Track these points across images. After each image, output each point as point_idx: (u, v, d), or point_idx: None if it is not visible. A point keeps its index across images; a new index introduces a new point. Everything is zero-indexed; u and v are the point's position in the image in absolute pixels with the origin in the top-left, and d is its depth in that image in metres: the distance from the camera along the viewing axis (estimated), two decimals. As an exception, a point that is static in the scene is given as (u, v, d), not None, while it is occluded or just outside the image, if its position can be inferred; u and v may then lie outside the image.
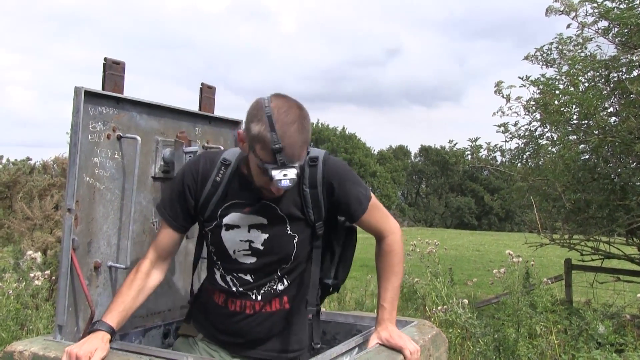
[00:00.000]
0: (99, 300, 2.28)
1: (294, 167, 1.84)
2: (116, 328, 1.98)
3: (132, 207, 2.33)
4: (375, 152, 52.25)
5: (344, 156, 47.06)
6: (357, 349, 2.24)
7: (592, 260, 8.56)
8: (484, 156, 9.74)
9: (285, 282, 2.16)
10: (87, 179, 2.17)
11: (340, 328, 2.60)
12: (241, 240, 2.10)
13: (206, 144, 2.73)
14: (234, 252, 2.12)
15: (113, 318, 1.98)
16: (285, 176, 1.83)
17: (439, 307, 5.66)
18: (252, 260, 2.11)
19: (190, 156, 2.46)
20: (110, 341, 1.94)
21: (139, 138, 2.30)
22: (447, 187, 52.65)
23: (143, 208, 2.44)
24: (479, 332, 4.74)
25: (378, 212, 2.17)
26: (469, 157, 10.18)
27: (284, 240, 2.10)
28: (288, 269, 2.15)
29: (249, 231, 2.09)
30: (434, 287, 6.35)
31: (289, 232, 2.10)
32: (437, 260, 6.70)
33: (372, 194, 2.17)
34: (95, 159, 2.19)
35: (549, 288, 6.32)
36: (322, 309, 2.91)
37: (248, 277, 2.13)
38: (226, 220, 2.10)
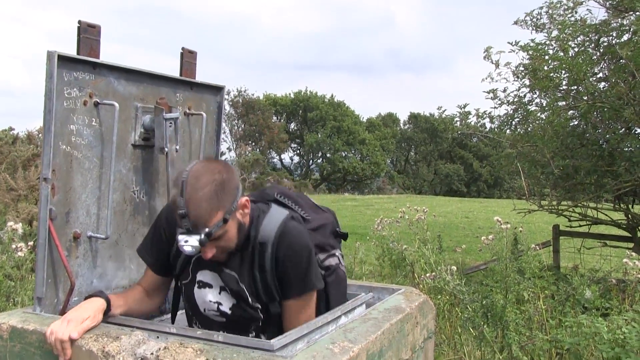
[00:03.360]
0: (79, 271, 2.23)
1: (199, 233, 1.82)
2: (112, 305, 1.98)
3: (112, 175, 2.27)
4: (364, 120, 52.06)
5: (333, 124, 46.83)
6: (342, 317, 2.21)
7: (580, 226, 8.61)
8: (472, 123, 9.71)
9: (262, 337, 2.08)
10: (64, 147, 2.10)
11: (327, 296, 2.57)
12: (211, 301, 2.08)
13: (188, 110, 2.66)
14: (204, 310, 2.10)
15: (112, 296, 2.03)
16: (186, 242, 1.82)
17: (427, 274, 5.67)
18: (222, 320, 2.09)
19: (170, 123, 2.39)
20: (105, 313, 1.94)
21: (117, 104, 2.22)
22: (436, 154, 52.72)
23: (123, 176, 2.38)
24: (467, 299, 4.75)
25: (303, 311, 2.07)
26: (458, 123, 10.14)
27: (248, 310, 2.06)
28: (261, 327, 2.09)
29: (219, 293, 2.07)
30: (423, 254, 6.36)
31: (251, 302, 2.05)
32: (425, 227, 6.70)
33: (314, 294, 2.09)
34: (71, 126, 2.12)
35: (537, 254, 6.35)
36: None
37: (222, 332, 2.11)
38: (199, 276, 2.09)
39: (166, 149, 2.39)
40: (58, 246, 2.07)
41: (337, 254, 2.26)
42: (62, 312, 2.12)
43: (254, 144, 44.50)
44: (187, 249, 1.83)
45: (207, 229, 1.82)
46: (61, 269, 2.12)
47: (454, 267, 5.50)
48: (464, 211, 23.37)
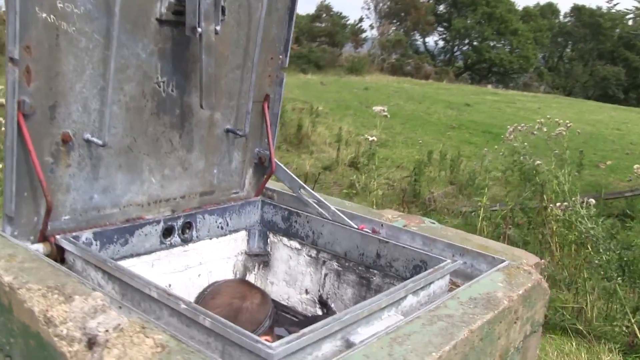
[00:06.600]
0: (72, 183, 1.70)
1: None
2: None
3: (124, 59, 1.67)
4: (520, 8, 47.60)
5: (484, 9, 43.42)
6: (409, 297, 1.55)
7: None
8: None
9: None
10: (44, 15, 1.50)
11: (401, 253, 1.89)
12: None
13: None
14: None
15: None
16: None
17: (558, 204, 4.77)
18: None
19: (206, -7, 1.71)
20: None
21: (125, -41, 1.58)
22: (596, 53, 47.57)
23: (142, 62, 1.77)
24: (602, 246, 3.87)
25: None
26: (630, 21, 8.54)
27: None
28: None
29: None
30: (556, 176, 5.40)
31: None
32: (565, 145, 5.67)
33: None
34: (53, -15, 1.51)
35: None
36: (391, 213, 2.21)
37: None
38: None
39: (199, 30, 1.73)
40: (31, 151, 1.54)
41: None
42: (42, 236, 1.64)
43: (398, 23, 42.53)
44: None
45: None
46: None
47: (592, 200, 4.55)
48: (617, 121, 20.93)
